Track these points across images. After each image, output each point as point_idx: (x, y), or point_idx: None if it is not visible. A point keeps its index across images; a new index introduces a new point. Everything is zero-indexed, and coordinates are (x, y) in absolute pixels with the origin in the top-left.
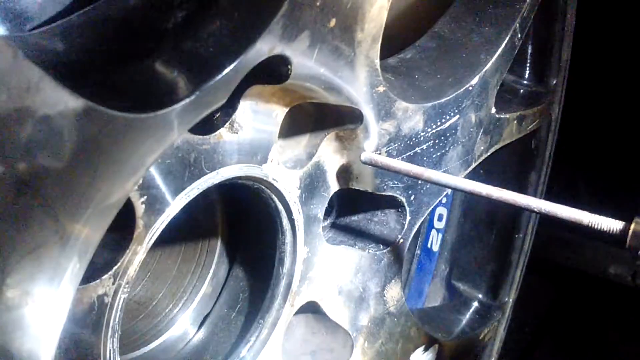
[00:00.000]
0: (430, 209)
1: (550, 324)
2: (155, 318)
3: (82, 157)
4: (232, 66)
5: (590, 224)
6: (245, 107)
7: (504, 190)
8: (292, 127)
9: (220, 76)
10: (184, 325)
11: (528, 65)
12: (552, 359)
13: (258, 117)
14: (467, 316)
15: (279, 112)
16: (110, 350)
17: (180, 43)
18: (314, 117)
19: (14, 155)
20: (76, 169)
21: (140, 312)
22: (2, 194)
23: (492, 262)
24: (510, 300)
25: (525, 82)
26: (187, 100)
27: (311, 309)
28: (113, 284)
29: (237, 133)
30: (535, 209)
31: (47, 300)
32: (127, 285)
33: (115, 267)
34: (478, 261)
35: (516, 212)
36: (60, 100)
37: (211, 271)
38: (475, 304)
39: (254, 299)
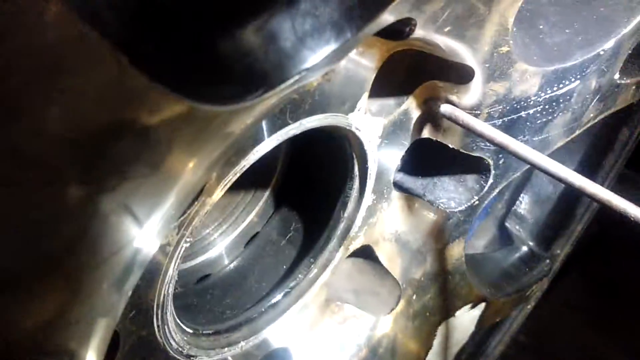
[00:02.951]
0: (517, 174)
1: (584, 258)
2: (203, 230)
3: (176, 156)
4: (356, 35)
5: None
6: None
7: (592, 182)
8: (385, 74)
9: (341, 44)
10: (232, 242)
11: None
12: (579, 291)
13: (353, 65)
14: (515, 265)
15: (377, 59)
16: (164, 295)
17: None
18: (411, 64)
19: (109, 170)
20: (170, 169)
21: None
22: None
23: (554, 212)
24: (563, 253)
25: None
26: (296, 76)
27: (364, 254)
28: (177, 234)
29: (329, 81)
30: (621, 211)
31: None
32: (190, 236)
33: (182, 217)
34: (539, 207)
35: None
36: (164, 107)
37: (266, 194)
38: (525, 249)
39: (308, 234)
